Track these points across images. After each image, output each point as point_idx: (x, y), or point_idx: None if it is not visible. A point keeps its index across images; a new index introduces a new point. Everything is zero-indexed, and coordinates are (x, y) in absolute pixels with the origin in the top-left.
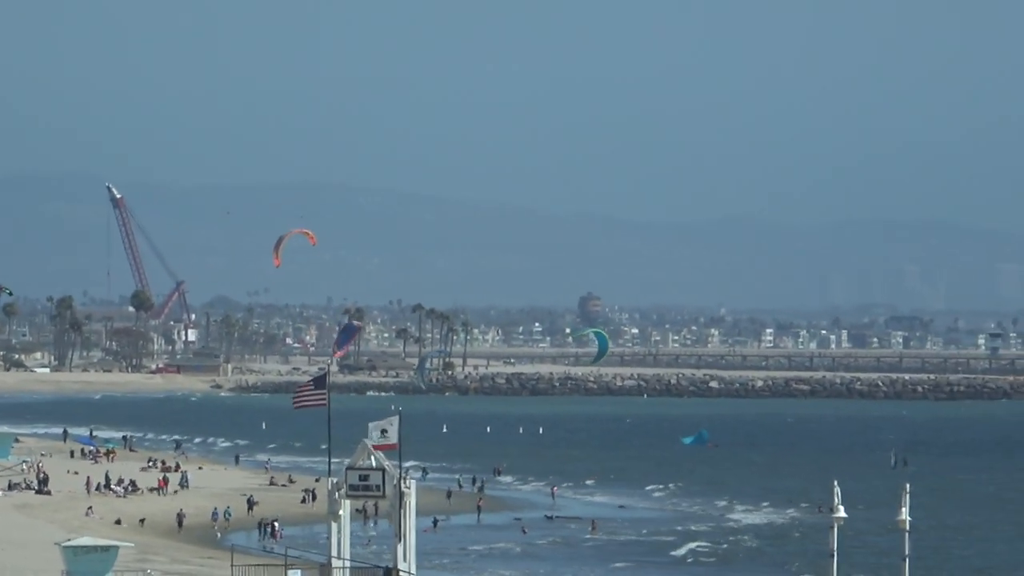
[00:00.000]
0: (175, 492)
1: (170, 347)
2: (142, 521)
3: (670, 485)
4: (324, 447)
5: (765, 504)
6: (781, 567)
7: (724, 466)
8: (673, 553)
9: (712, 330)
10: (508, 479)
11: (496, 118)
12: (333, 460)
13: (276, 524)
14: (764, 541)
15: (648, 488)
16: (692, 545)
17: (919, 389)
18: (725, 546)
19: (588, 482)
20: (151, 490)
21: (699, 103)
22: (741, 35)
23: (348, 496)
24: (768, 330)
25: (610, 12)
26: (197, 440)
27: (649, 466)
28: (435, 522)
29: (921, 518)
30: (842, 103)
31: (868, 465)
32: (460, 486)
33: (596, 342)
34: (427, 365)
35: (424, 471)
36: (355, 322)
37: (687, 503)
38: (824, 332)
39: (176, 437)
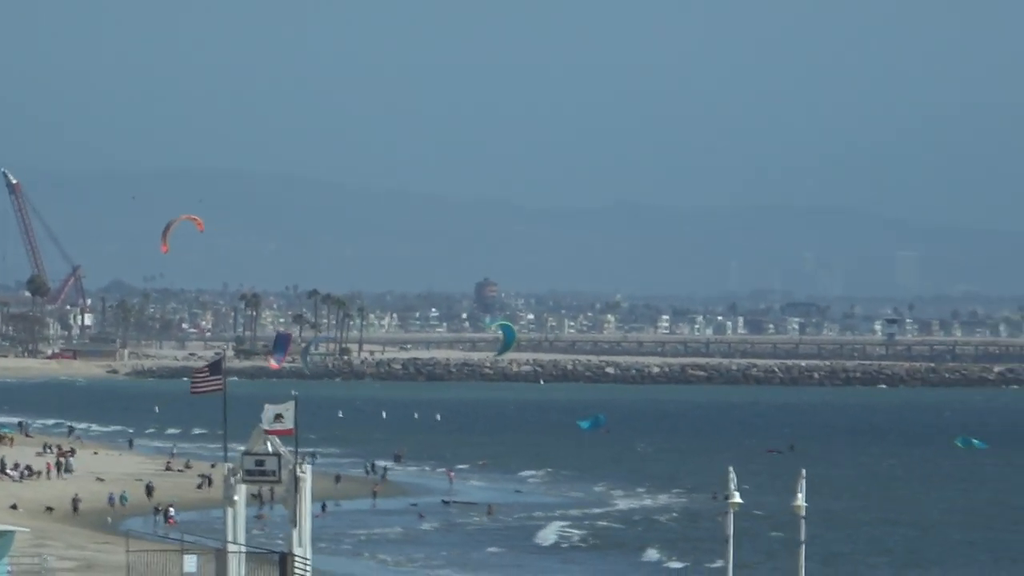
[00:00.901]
0: (60, 477)
1: (66, 332)
2: (49, 509)
3: (549, 470)
4: (220, 432)
5: (649, 489)
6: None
7: (617, 451)
8: (538, 539)
9: (608, 316)
10: (407, 467)
11: (391, 103)
12: (229, 446)
13: (171, 509)
14: (645, 525)
15: (523, 473)
16: (558, 526)
17: (815, 375)
18: (602, 529)
19: (480, 463)
20: (42, 474)
21: (592, 89)
22: (634, 20)
23: (244, 481)
24: (664, 316)
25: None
26: (89, 425)
27: (541, 450)
28: (323, 507)
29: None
30: (740, 89)
31: (757, 451)
32: (369, 472)
33: (502, 334)
34: (311, 350)
35: (313, 455)
36: (287, 331)
37: (576, 487)
38: (720, 318)
39: (70, 423)
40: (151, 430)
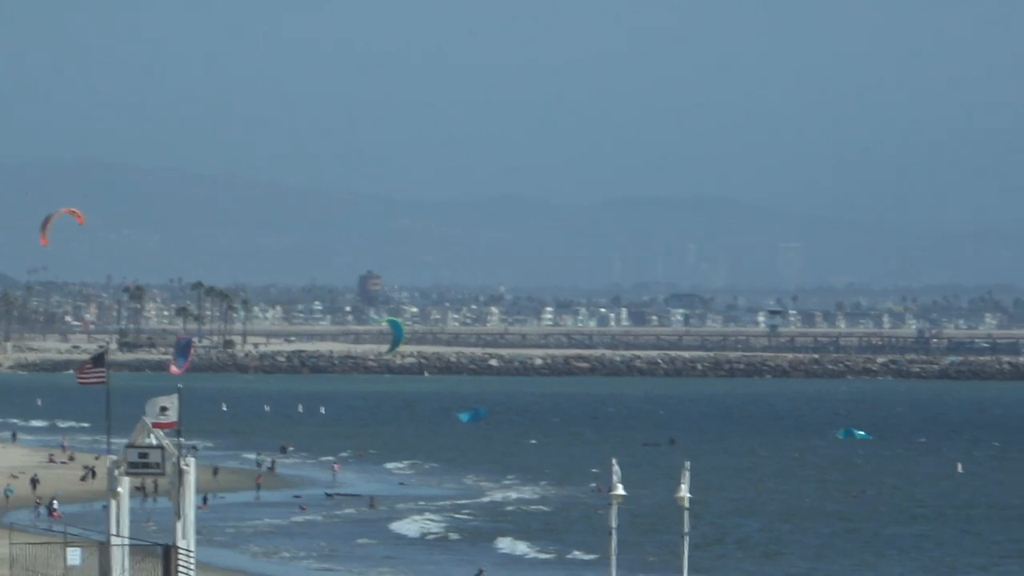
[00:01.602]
0: None
1: None
2: None
3: (415, 461)
4: (104, 425)
5: (525, 481)
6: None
7: (498, 443)
8: (405, 530)
9: (492, 308)
10: (293, 459)
11: (273, 97)
12: (113, 438)
13: (55, 502)
14: (516, 516)
15: (388, 465)
16: (429, 517)
17: (699, 367)
18: (474, 520)
19: (358, 453)
20: None
21: (476, 84)
22: (520, 17)
23: (128, 474)
24: (548, 308)
25: None
26: None
27: (422, 442)
28: (205, 499)
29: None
30: (622, 83)
31: (637, 443)
32: (260, 464)
33: (392, 330)
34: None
35: (194, 448)
36: (191, 337)
37: (452, 479)
38: (604, 310)
39: None
40: (35, 423)
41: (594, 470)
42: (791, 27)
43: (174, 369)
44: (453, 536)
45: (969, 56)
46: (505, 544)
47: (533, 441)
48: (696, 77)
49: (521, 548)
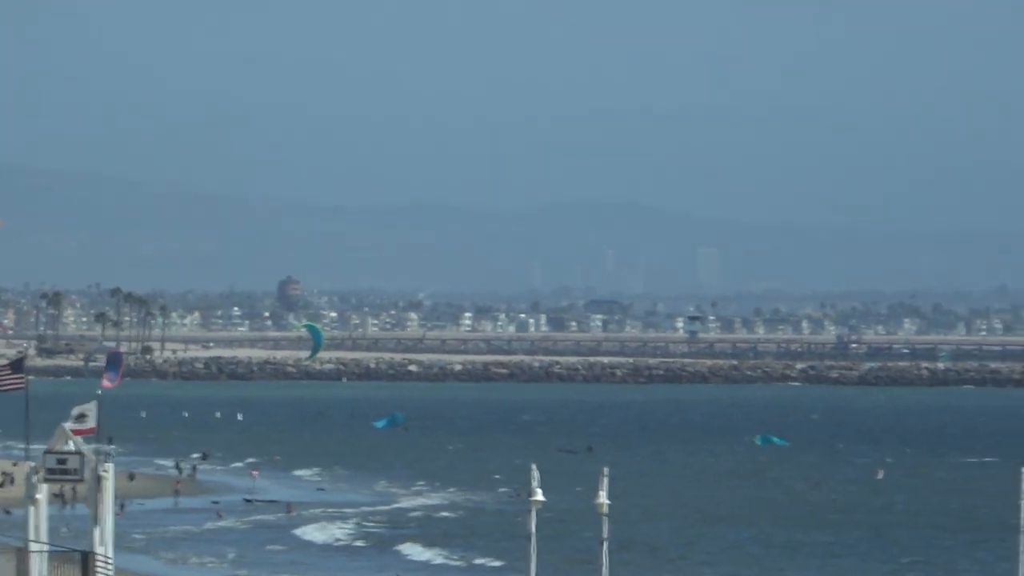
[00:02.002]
0: None
1: None
2: None
3: (321, 467)
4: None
5: (441, 487)
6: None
7: (415, 448)
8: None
9: (411, 314)
10: (213, 465)
11: (188, 101)
12: (32, 445)
13: None
14: (429, 522)
15: (298, 472)
16: (344, 523)
17: (618, 373)
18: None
19: (274, 459)
20: None
21: (395, 89)
22: (442, 22)
23: (46, 480)
24: (467, 314)
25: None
26: None
27: (337, 448)
28: (122, 506)
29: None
30: (537, 85)
31: (554, 449)
32: (181, 471)
33: (312, 337)
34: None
35: (110, 454)
36: (119, 350)
37: (364, 485)
38: (523, 316)
39: None
40: None
41: (497, 476)
42: (709, 33)
43: (107, 383)
44: (360, 543)
45: (883, 60)
46: (412, 550)
47: (450, 447)
48: (615, 82)
49: (428, 554)
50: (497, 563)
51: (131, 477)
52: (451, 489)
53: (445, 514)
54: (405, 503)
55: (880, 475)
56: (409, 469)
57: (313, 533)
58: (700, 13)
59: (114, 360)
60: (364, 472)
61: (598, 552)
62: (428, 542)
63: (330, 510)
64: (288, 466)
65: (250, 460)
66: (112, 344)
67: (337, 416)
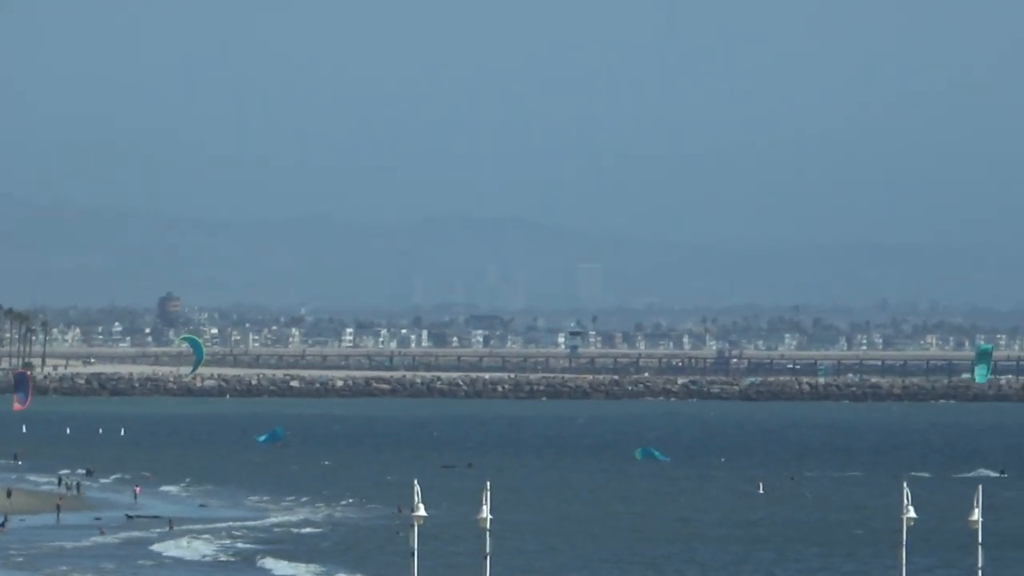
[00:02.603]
0: None
1: None
2: None
3: (194, 483)
4: None
5: (318, 502)
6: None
7: (295, 464)
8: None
9: (293, 330)
10: (98, 481)
11: (69, 117)
12: None
13: None
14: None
15: (165, 488)
16: (199, 541)
17: (499, 388)
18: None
19: (146, 475)
20: None
21: (277, 99)
22: (330, 30)
23: None
24: (348, 329)
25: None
26: None
27: (218, 463)
28: (3, 523)
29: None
30: (418, 100)
31: (436, 465)
32: (69, 488)
33: (193, 351)
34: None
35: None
36: (26, 372)
37: (240, 501)
38: (405, 331)
39: None
40: None
41: (376, 491)
42: (590, 46)
43: (17, 405)
44: (226, 558)
45: (763, 72)
46: (275, 565)
47: (327, 462)
48: (492, 97)
49: (292, 569)
50: None
51: (8, 493)
52: (326, 504)
53: (318, 529)
54: (278, 518)
55: (760, 489)
56: (286, 484)
57: (182, 548)
58: (581, 27)
59: (21, 381)
60: (242, 487)
61: (480, 567)
62: (295, 557)
63: (208, 525)
64: (160, 481)
65: (116, 476)
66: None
67: (219, 431)
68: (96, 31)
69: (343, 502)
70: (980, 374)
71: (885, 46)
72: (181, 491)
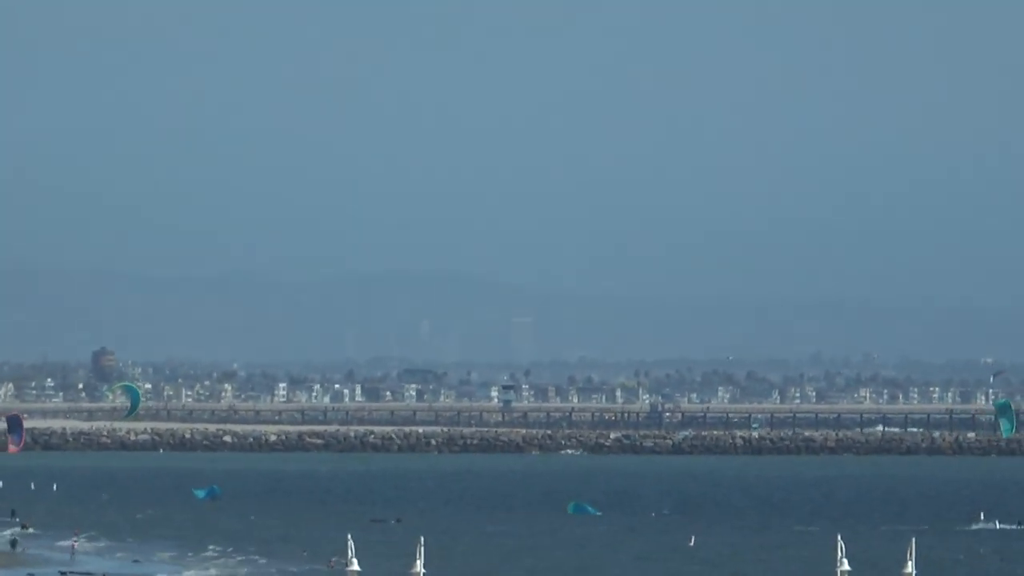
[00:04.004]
0: None
1: None
2: None
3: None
4: None
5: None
6: None
7: (230, 519)
8: None
9: (226, 385)
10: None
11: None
12: None
13: None
14: None
15: (99, 544)
16: None
17: (432, 442)
18: None
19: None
20: None
21: (200, 159)
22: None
23: None
24: (281, 384)
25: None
26: None
27: (153, 520)
28: None
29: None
30: (345, 155)
31: (365, 519)
32: (4, 542)
33: (129, 397)
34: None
35: None
36: (18, 413)
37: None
38: (338, 386)
39: None
40: None
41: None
42: (518, 100)
43: (12, 448)
44: None
45: (700, 137)
46: None
47: (264, 517)
48: (421, 148)
49: None
50: None
51: None
52: (262, 557)
53: None
54: (209, 572)
55: (692, 542)
56: (224, 539)
57: None
58: (505, 73)
59: (14, 424)
60: (179, 542)
61: None
62: None
63: None
64: (96, 536)
65: (51, 532)
66: None
67: (154, 486)
68: (19, 90)
69: (276, 556)
70: (1005, 429)
71: (818, 99)
72: (114, 547)
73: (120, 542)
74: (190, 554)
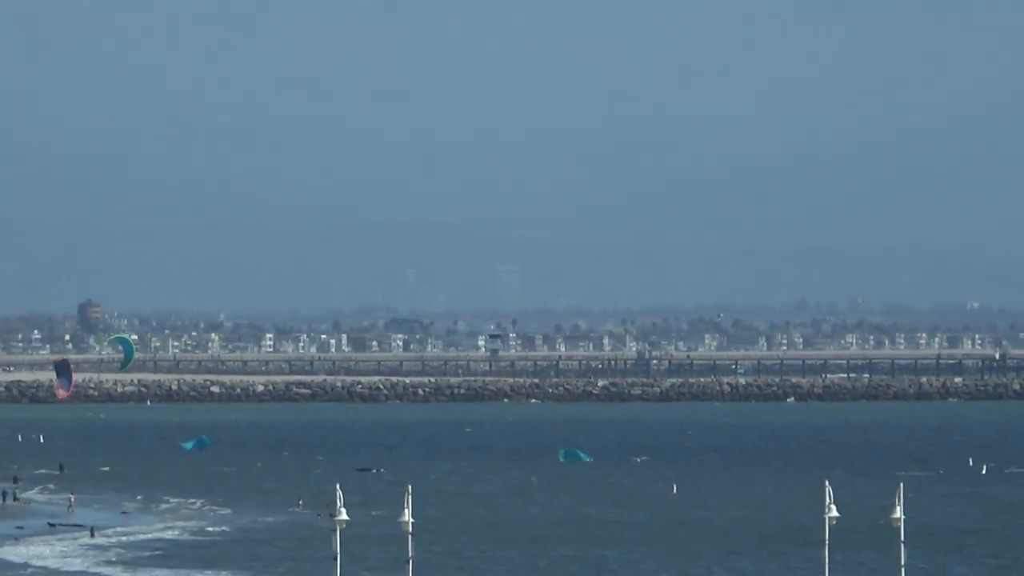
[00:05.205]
0: None
1: None
2: None
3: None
4: None
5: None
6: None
7: (217, 469)
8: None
9: (212, 335)
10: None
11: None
12: None
13: None
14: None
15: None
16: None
17: (420, 392)
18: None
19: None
20: None
21: (184, 110)
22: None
23: None
24: (268, 335)
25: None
26: None
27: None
28: None
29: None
30: (331, 104)
31: (351, 468)
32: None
33: (123, 349)
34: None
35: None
36: (66, 360)
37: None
38: (324, 336)
39: None
40: None
41: (296, 495)
42: (510, 52)
43: (62, 393)
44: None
45: (690, 82)
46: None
47: (253, 468)
48: (411, 101)
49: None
50: None
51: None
52: (249, 509)
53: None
54: (196, 523)
55: (675, 489)
56: (209, 490)
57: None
58: (492, 29)
59: (62, 369)
60: (166, 493)
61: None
62: (208, 563)
63: (127, 531)
64: (84, 488)
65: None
66: None
67: (142, 438)
68: (18, 35)
69: (263, 506)
70: None
71: (814, 54)
72: (104, 498)
73: (105, 495)
74: (169, 502)
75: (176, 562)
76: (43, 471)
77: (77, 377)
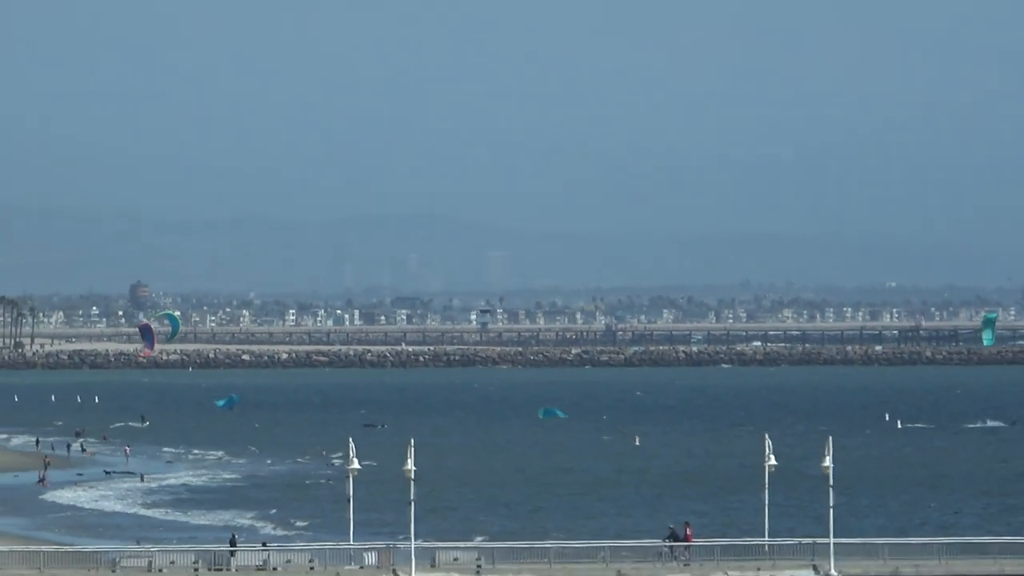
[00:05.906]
0: None
1: None
2: None
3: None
4: None
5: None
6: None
7: (246, 424)
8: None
9: (244, 311)
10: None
11: (55, 137)
12: None
13: None
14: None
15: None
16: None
17: (421, 359)
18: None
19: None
20: None
21: (213, 110)
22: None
23: None
24: (291, 311)
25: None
26: None
27: (183, 426)
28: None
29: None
30: (348, 108)
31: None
32: (76, 449)
33: (170, 324)
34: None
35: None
36: (148, 324)
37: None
38: (339, 312)
39: None
40: None
41: (352, 445)
42: (495, 50)
43: (147, 351)
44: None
45: (657, 81)
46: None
47: (279, 424)
48: (413, 107)
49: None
50: (303, 523)
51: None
52: (275, 458)
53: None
54: (226, 474)
55: (637, 441)
56: (240, 443)
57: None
58: (488, 28)
59: (146, 331)
60: (204, 446)
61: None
62: (247, 505)
63: (169, 477)
64: (138, 441)
65: (93, 439)
66: None
67: (184, 398)
68: (77, 46)
69: (287, 458)
70: (987, 338)
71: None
72: (155, 449)
73: (160, 445)
74: (196, 453)
75: (206, 505)
76: (121, 424)
77: (128, 347)
